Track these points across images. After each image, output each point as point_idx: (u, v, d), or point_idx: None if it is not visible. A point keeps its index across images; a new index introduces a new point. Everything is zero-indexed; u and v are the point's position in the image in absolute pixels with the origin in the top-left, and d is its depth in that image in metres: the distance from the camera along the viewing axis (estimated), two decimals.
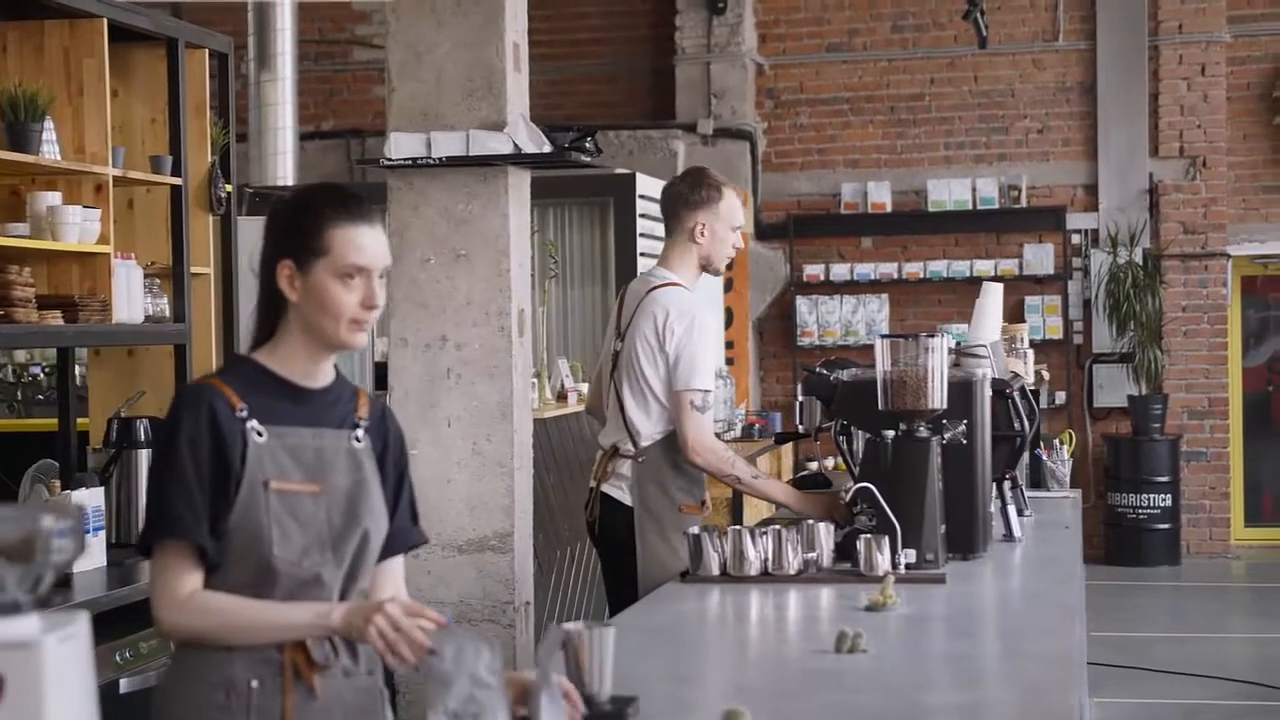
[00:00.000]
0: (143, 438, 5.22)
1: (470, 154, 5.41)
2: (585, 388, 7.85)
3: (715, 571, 4.17)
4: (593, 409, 5.25)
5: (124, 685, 4.34)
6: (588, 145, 5.65)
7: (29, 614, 1.75)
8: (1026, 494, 5.54)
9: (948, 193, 12.64)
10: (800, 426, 5.00)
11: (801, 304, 12.81)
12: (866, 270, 12.71)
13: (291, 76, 10.59)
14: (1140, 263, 12.25)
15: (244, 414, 2.75)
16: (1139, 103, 12.51)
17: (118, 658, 4.37)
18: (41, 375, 9.10)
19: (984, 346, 5.15)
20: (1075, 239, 12.62)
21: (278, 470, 2.75)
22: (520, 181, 5.62)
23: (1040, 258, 12.54)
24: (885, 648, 3.38)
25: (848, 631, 3.31)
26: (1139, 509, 12.10)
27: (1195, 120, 12.46)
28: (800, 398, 4.98)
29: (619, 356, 4.93)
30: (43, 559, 1.78)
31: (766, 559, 4.16)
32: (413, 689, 5.18)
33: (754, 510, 8.65)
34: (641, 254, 9.52)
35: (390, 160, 5.46)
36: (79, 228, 5.16)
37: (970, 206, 12.62)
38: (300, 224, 2.79)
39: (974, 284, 12.22)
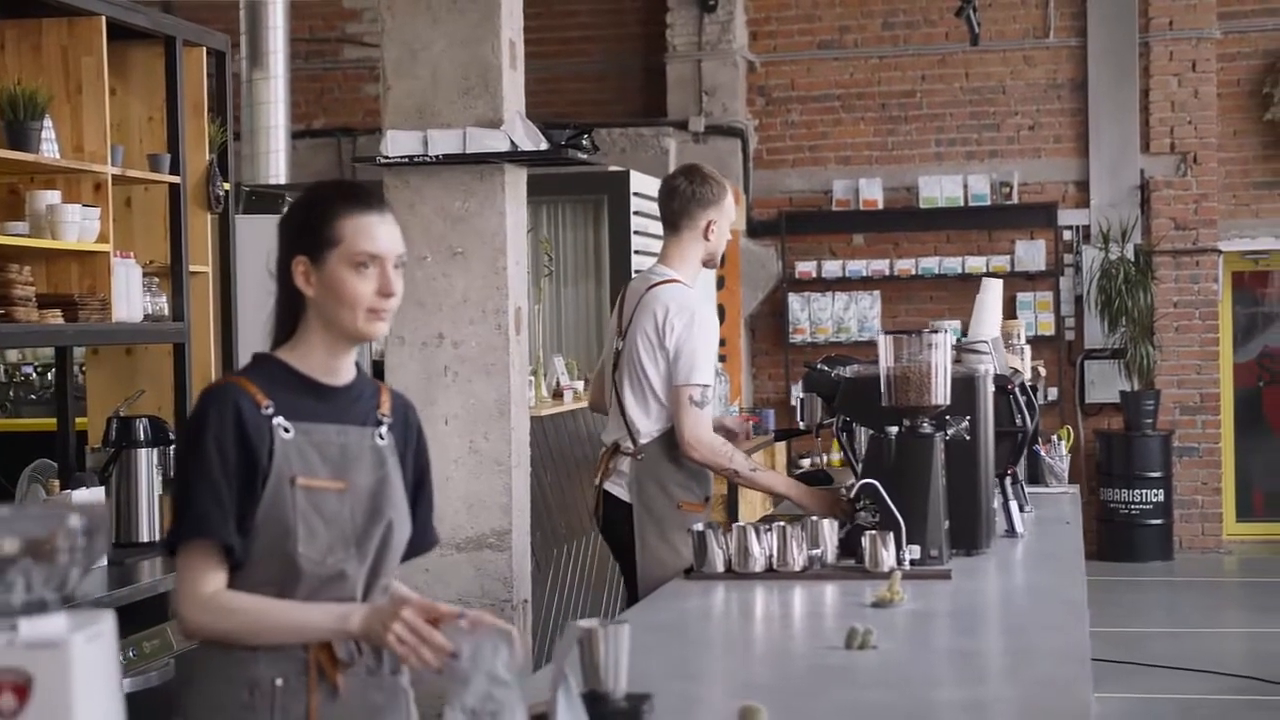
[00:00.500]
0: (142, 437, 5.20)
1: (467, 151, 5.40)
2: (581, 385, 7.85)
3: (720, 568, 4.17)
4: (594, 404, 5.26)
5: (126, 685, 4.33)
6: (584, 142, 5.64)
7: (56, 613, 1.75)
8: (1026, 489, 5.54)
9: (939, 189, 12.64)
10: (801, 423, 5.01)
11: (794, 301, 12.81)
12: (858, 267, 12.71)
13: (283, 75, 10.57)
14: (1131, 259, 12.26)
15: (270, 411, 2.75)
16: (1130, 99, 12.52)
17: (119, 658, 4.35)
18: (34, 375, 9.08)
19: (985, 342, 5.15)
20: (1067, 235, 12.64)
21: (304, 467, 2.75)
22: (517, 179, 5.61)
23: (1032, 254, 12.54)
24: (894, 644, 3.37)
25: (858, 628, 3.31)
26: (1131, 504, 12.11)
27: (1186, 116, 12.48)
28: (800, 394, 4.99)
29: (620, 355, 4.93)
30: (69, 558, 1.77)
31: (771, 555, 4.16)
32: (419, 685, 5.15)
33: (750, 508, 8.65)
34: (636, 251, 9.51)
35: (387, 158, 5.45)
36: (78, 226, 5.14)
37: (962, 203, 12.63)
38: (311, 219, 2.79)
39: (966, 280, 12.31)
